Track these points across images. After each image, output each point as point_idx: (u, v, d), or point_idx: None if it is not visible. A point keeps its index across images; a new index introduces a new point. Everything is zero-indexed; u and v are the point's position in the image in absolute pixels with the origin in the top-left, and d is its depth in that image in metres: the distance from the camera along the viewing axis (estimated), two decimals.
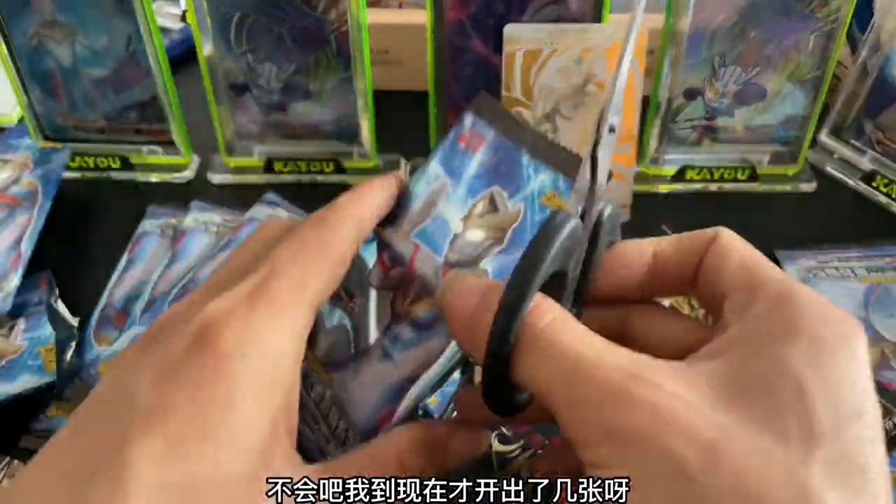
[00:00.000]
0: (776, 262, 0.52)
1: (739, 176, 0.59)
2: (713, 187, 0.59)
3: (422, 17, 0.53)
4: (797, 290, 0.22)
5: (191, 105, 0.60)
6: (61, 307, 0.49)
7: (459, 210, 0.31)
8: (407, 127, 0.61)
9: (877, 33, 0.57)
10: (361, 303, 0.31)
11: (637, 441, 0.19)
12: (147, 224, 0.55)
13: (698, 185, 0.59)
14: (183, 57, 0.71)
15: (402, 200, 0.32)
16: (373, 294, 0.31)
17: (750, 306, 0.22)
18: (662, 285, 0.27)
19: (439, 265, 0.30)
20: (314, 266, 0.26)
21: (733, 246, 0.26)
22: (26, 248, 0.50)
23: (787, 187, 0.60)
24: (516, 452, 0.41)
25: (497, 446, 0.41)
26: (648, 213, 0.56)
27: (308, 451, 0.29)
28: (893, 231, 0.55)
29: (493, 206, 0.31)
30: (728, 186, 0.59)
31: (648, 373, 0.20)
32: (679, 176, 0.59)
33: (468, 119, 0.32)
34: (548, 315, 0.22)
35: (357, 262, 0.31)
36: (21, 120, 0.64)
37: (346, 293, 0.32)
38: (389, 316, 0.31)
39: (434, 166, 0.32)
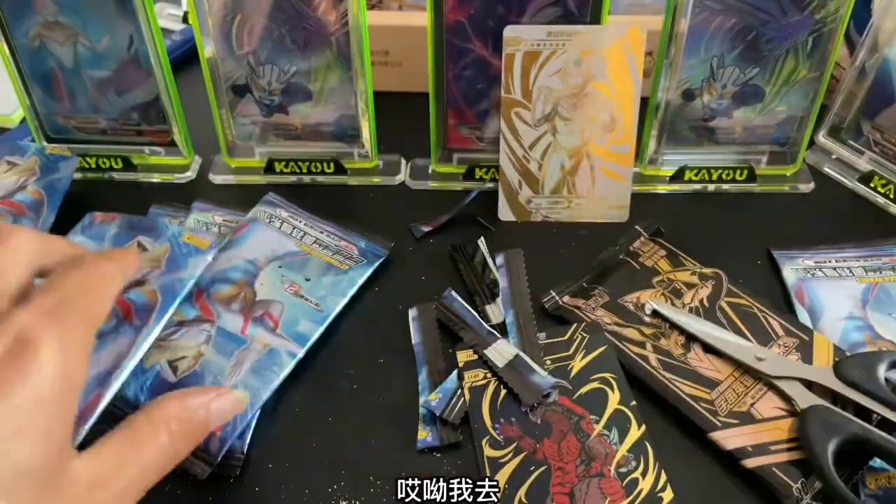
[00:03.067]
0: (773, 261, 0.53)
1: (738, 176, 0.59)
2: (711, 188, 0.60)
3: (422, 18, 0.53)
4: None
5: (192, 106, 0.60)
6: None
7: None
8: (407, 128, 0.61)
9: (874, 34, 0.57)
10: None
11: None
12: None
13: (697, 186, 0.60)
14: (184, 58, 0.72)
15: None
16: None
17: None
18: None
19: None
20: (98, 295, 0.31)
21: None
22: None
23: (785, 188, 0.60)
24: (507, 457, 0.41)
25: (488, 451, 0.41)
26: (647, 214, 0.57)
27: None
28: (891, 231, 0.55)
29: (142, 248, 0.44)
30: (726, 187, 0.60)
31: None
32: (677, 176, 0.59)
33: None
34: None
35: None
36: (23, 121, 0.64)
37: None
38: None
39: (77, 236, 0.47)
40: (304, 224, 0.54)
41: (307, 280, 0.50)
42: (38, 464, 0.26)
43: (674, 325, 0.47)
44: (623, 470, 0.40)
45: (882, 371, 0.42)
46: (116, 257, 0.35)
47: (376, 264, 0.52)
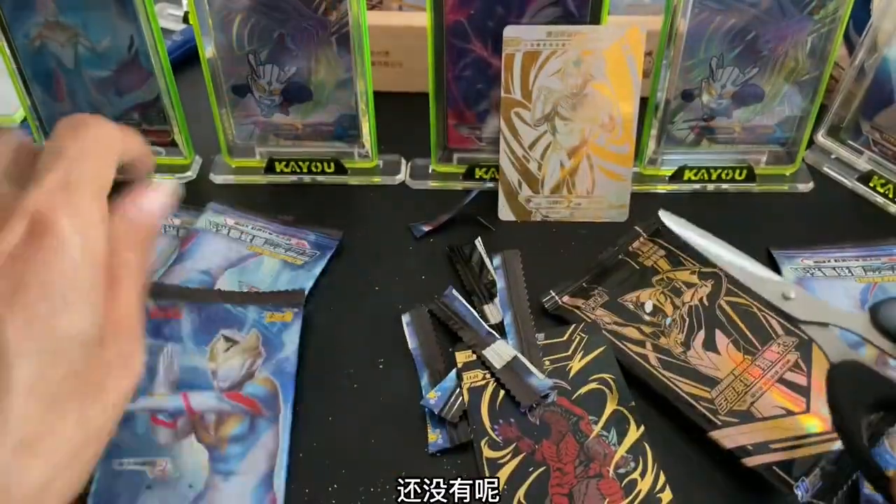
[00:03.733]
0: (773, 261, 0.53)
1: (737, 176, 0.59)
2: (711, 188, 0.60)
3: (422, 18, 0.54)
4: None
5: (192, 106, 0.60)
6: None
7: (199, 356, 0.44)
8: (407, 128, 0.61)
9: (874, 35, 0.57)
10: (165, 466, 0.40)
11: None
12: None
13: (696, 186, 0.60)
14: (185, 58, 0.72)
15: None
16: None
17: None
18: None
19: (217, 397, 0.43)
20: (102, 160, 0.31)
21: None
22: None
23: (785, 188, 0.60)
24: (506, 458, 0.41)
25: (487, 452, 0.41)
26: (646, 214, 0.57)
27: None
28: (890, 231, 0.55)
29: (229, 342, 0.44)
30: (726, 187, 0.60)
31: None
32: (677, 176, 0.59)
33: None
34: None
35: None
36: (24, 121, 0.64)
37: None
38: (208, 453, 0.40)
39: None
40: (252, 227, 0.54)
41: (264, 281, 0.50)
42: (85, 330, 0.28)
43: (686, 248, 0.45)
44: (622, 471, 0.40)
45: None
46: (119, 128, 0.33)
47: (329, 255, 0.53)
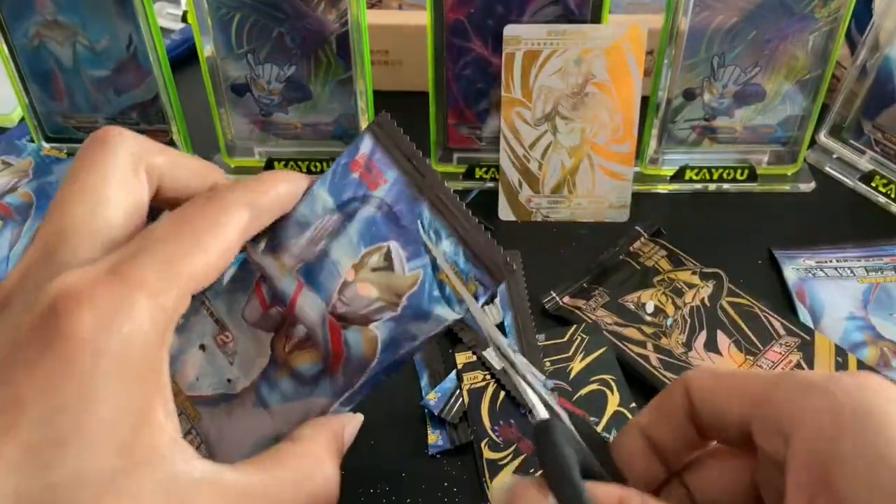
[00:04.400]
0: (775, 261, 0.52)
1: (738, 176, 0.59)
2: (712, 187, 0.60)
3: (422, 17, 0.53)
4: (814, 382, 0.21)
5: (191, 105, 0.60)
6: None
7: (350, 254, 0.28)
8: (407, 127, 0.60)
9: (876, 34, 0.57)
10: (236, 336, 0.28)
11: None
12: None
13: (697, 186, 0.60)
14: (183, 57, 0.71)
15: (283, 221, 0.28)
16: (246, 326, 0.28)
17: (788, 424, 0.21)
18: (673, 454, 0.26)
19: (325, 313, 0.27)
20: (191, 248, 0.23)
21: (713, 380, 0.24)
22: (4, 270, 0.49)
23: (786, 187, 0.60)
24: (506, 459, 0.41)
25: (488, 453, 0.41)
26: (647, 214, 0.56)
27: None
28: (892, 231, 0.55)
29: (388, 262, 0.28)
30: (727, 186, 0.60)
31: None
32: (678, 176, 0.59)
33: (365, 145, 0.29)
34: None
35: (235, 293, 0.29)
36: (22, 120, 0.64)
37: (217, 322, 0.29)
38: (268, 356, 0.28)
39: (322, 193, 0.29)
40: None
41: None
42: (96, 468, 0.20)
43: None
44: None
45: None
46: (251, 185, 0.26)
47: None
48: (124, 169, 0.25)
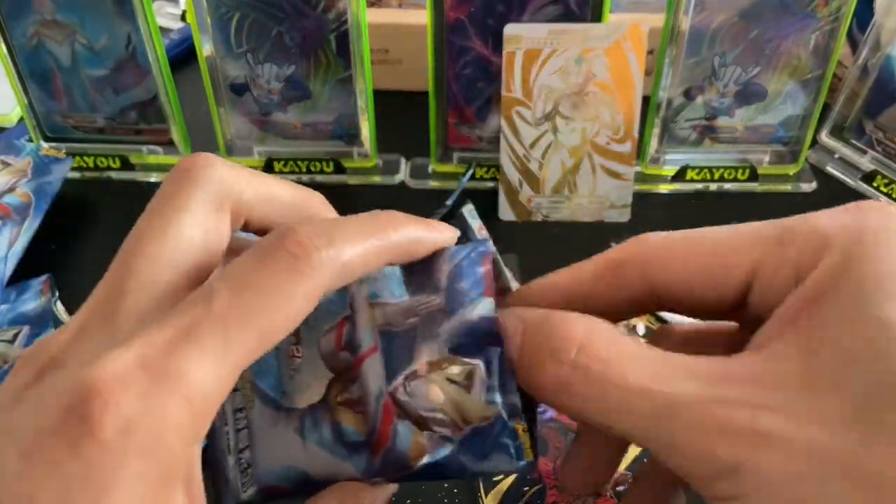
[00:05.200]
0: None
1: (740, 176, 0.59)
2: (713, 187, 0.59)
3: (422, 16, 0.53)
4: (824, 227, 0.20)
5: (190, 105, 0.60)
6: (60, 310, 0.49)
7: (433, 348, 0.24)
8: (407, 127, 0.61)
9: (877, 33, 0.57)
10: (305, 356, 0.26)
11: (754, 471, 0.18)
12: None
13: (698, 185, 0.59)
14: (183, 57, 0.71)
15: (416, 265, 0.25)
16: (316, 353, 0.26)
17: (796, 274, 0.20)
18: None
19: (384, 389, 0.24)
20: (258, 326, 0.20)
21: (683, 243, 0.23)
22: (2, 269, 0.49)
23: (788, 187, 0.59)
24: (501, 476, 0.40)
25: None
26: (648, 214, 0.56)
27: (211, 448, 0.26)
28: None
29: (468, 382, 0.24)
30: (728, 186, 0.59)
31: (731, 392, 0.19)
32: (679, 176, 0.59)
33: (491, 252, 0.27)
34: (598, 337, 0.20)
35: (323, 315, 0.26)
36: (21, 120, 0.64)
37: (296, 334, 0.26)
38: (321, 395, 0.25)
39: (445, 264, 0.25)
40: None
41: None
42: None
43: None
44: (620, 488, 0.39)
45: None
46: (353, 236, 0.22)
47: None
48: (207, 207, 0.22)
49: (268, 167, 0.59)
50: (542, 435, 0.42)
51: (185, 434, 0.19)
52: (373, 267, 0.23)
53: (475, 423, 0.24)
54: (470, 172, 0.57)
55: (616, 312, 0.24)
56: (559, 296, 0.25)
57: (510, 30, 0.51)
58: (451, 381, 0.24)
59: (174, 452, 0.19)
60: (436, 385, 0.24)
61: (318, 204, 0.26)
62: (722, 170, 0.59)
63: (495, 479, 0.40)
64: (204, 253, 0.22)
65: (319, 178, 0.60)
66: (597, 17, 0.52)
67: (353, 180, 0.60)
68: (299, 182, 0.59)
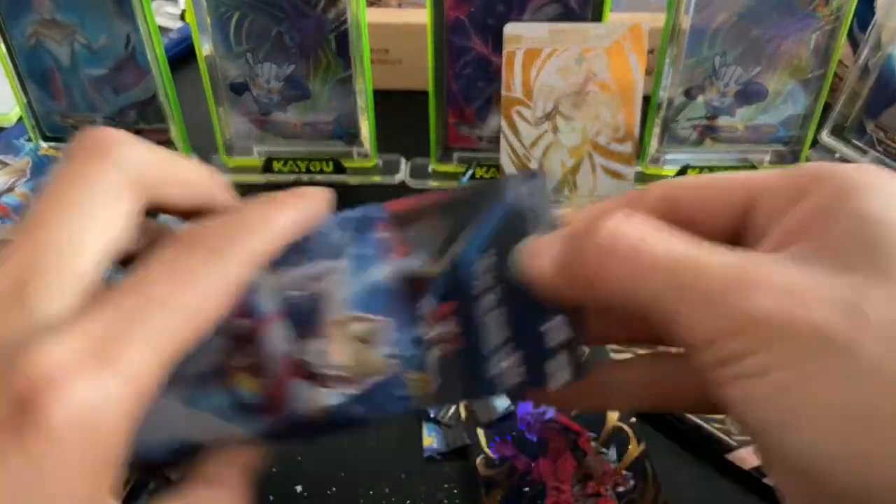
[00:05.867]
0: None
1: None
2: None
3: (422, 16, 0.53)
4: (824, 165, 0.22)
5: (190, 105, 0.60)
6: None
7: (337, 308, 0.26)
8: (407, 127, 0.61)
9: (878, 33, 0.57)
10: None
11: (774, 322, 0.19)
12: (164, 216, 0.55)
13: None
14: (182, 56, 0.71)
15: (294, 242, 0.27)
16: None
17: (799, 197, 0.22)
18: None
19: (287, 352, 0.25)
20: (187, 320, 0.21)
21: (696, 180, 0.25)
22: None
23: None
24: (502, 476, 0.40)
25: (483, 470, 0.40)
26: None
27: None
28: None
29: (369, 338, 0.26)
30: None
31: (756, 258, 0.20)
32: (680, 176, 0.59)
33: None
34: (634, 222, 0.22)
35: None
36: (20, 119, 0.64)
37: None
38: (213, 363, 0.25)
39: (338, 231, 0.27)
40: None
41: None
42: None
43: None
44: (621, 489, 0.39)
45: None
46: (263, 223, 0.24)
47: None
48: (119, 188, 0.22)
49: (267, 167, 0.59)
50: (543, 436, 0.42)
51: (127, 421, 0.20)
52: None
53: (374, 378, 0.25)
54: (470, 172, 0.57)
55: None
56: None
57: (510, 29, 0.51)
58: (353, 338, 0.25)
59: (117, 440, 0.19)
60: (337, 343, 0.25)
61: (217, 184, 0.28)
62: (723, 170, 0.59)
63: (496, 480, 0.40)
64: (114, 237, 0.22)
65: (319, 177, 0.60)
66: (597, 16, 0.52)
67: (352, 180, 0.60)
68: (299, 182, 0.60)
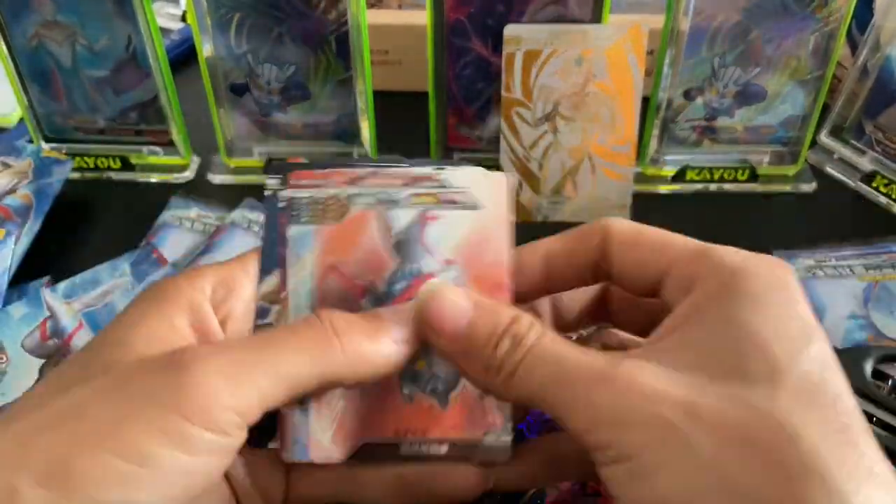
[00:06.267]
0: None
1: (739, 176, 0.59)
2: (713, 188, 0.59)
3: (422, 17, 0.53)
4: (726, 255, 0.25)
5: (191, 106, 0.60)
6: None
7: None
8: (407, 127, 0.61)
9: (877, 34, 0.57)
10: (10, 359, 0.37)
11: (627, 417, 0.22)
12: (167, 215, 0.55)
13: (698, 186, 0.59)
14: (183, 57, 0.71)
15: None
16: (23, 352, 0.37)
17: (693, 284, 0.25)
18: (561, 282, 0.30)
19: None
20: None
21: (636, 235, 0.28)
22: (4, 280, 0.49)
23: (787, 188, 0.59)
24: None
25: None
26: (648, 214, 0.56)
27: None
28: (893, 232, 0.55)
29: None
30: (728, 187, 0.59)
31: (621, 359, 0.23)
32: (679, 176, 0.59)
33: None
34: (532, 330, 0.25)
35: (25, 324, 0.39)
36: (21, 121, 0.64)
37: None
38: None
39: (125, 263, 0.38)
40: None
41: None
42: None
43: None
44: None
45: (869, 366, 0.40)
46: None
47: None
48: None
49: (268, 167, 0.59)
50: (543, 435, 0.42)
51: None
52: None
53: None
54: None
55: (580, 276, 0.29)
56: (539, 256, 0.31)
57: (510, 30, 0.51)
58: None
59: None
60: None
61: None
62: (722, 170, 0.59)
63: None
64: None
65: None
66: (597, 17, 0.52)
67: None
68: None
